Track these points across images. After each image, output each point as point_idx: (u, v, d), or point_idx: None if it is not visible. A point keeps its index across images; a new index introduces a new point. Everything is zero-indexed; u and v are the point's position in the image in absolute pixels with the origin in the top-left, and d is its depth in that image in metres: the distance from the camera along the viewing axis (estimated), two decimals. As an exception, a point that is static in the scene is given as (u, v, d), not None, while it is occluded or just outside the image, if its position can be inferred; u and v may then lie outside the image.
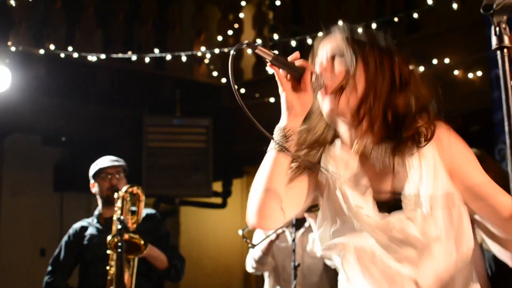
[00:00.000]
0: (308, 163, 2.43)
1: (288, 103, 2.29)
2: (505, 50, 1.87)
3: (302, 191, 2.44)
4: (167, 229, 5.62)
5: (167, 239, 5.50)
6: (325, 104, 2.36)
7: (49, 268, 5.47)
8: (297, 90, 2.30)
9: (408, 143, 2.30)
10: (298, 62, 2.30)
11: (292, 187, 2.40)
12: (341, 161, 2.40)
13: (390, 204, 2.34)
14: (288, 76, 2.30)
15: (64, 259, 5.44)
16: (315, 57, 2.45)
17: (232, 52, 2.21)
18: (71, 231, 5.53)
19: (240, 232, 5.18)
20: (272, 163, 2.30)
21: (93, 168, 5.48)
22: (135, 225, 5.14)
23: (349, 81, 2.31)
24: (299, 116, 2.31)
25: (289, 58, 2.31)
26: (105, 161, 5.49)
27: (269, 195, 2.28)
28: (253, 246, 5.45)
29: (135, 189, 5.21)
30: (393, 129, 2.32)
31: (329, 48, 2.40)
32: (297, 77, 2.30)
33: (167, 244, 5.45)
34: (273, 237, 5.45)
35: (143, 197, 5.23)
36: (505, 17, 1.90)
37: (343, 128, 2.41)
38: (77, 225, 5.55)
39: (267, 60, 2.28)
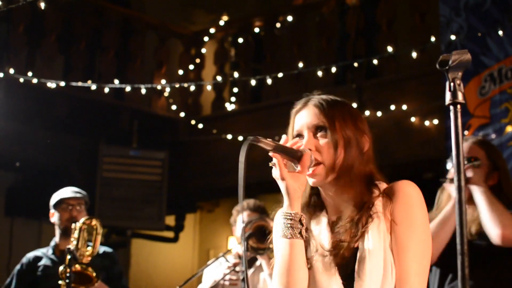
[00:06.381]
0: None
1: (290, 189, 2.37)
2: (458, 107, 1.90)
3: None
4: (121, 269, 5.55)
5: (120, 279, 5.44)
6: (311, 178, 2.43)
7: None
8: (294, 171, 2.38)
9: (368, 212, 2.39)
10: (294, 145, 2.40)
11: None
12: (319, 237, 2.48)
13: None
14: (285, 161, 2.38)
15: None
16: (292, 126, 2.52)
17: (241, 174, 2.28)
18: (24, 260, 5.41)
19: None
20: (294, 251, 2.37)
21: (55, 198, 5.37)
22: (89, 258, 5.07)
23: (334, 156, 2.40)
24: (300, 198, 2.40)
25: (289, 144, 2.41)
26: (67, 191, 5.39)
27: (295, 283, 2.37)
28: None
29: (93, 221, 5.13)
30: (365, 195, 2.43)
31: (309, 121, 2.46)
32: (295, 161, 2.38)
33: (119, 283, 5.38)
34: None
35: (100, 230, 5.15)
36: (460, 74, 1.93)
37: (327, 194, 2.50)
38: (30, 255, 5.43)
39: (268, 150, 2.35)
